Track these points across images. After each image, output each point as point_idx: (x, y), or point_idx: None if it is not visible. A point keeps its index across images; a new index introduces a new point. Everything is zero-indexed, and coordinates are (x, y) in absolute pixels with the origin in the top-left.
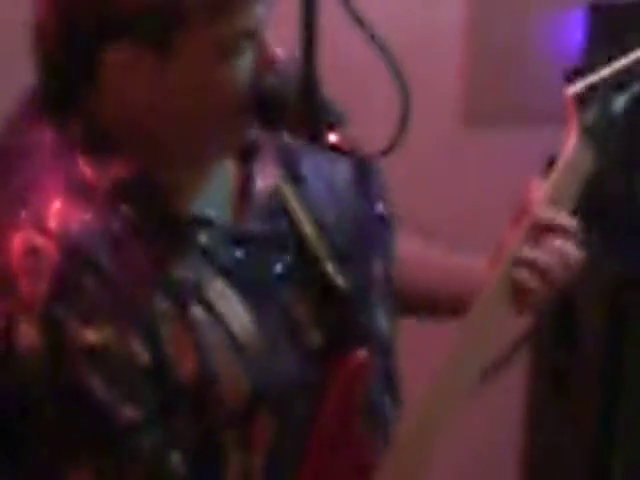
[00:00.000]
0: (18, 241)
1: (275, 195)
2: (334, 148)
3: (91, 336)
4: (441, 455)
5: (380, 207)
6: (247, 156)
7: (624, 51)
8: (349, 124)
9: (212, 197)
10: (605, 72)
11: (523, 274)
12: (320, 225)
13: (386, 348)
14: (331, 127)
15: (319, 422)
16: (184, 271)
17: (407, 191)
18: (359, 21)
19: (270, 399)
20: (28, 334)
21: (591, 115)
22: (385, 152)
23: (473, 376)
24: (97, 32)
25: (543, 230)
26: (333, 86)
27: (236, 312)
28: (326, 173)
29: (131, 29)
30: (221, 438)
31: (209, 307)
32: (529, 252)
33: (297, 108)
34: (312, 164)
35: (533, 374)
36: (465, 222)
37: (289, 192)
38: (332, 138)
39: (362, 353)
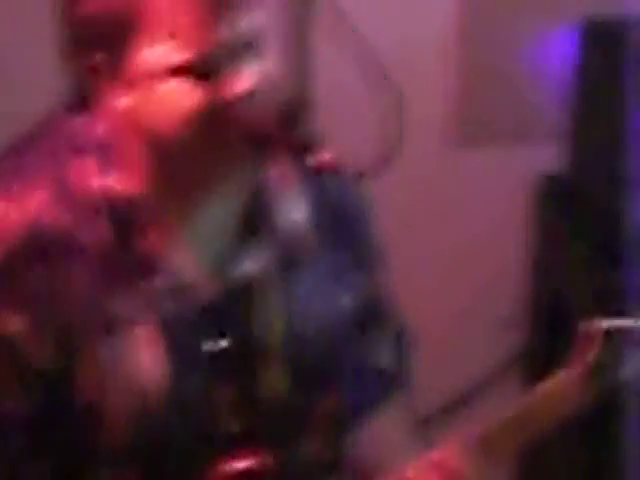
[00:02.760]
0: None
1: (256, 282)
2: (320, 167)
3: (12, 323)
4: None
5: (385, 361)
6: (247, 227)
7: None
8: (339, 143)
9: (196, 255)
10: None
11: None
12: (292, 332)
13: (318, 473)
14: (319, 145)
15: None
16: (123, 303)
17: (398, 210)
18: (354, 40)
19: (148, 456)
20: None
21: (613, 357)
22: (375, 171)
23: None
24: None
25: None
26: (324, 104)
27: (155, 366)
28: (328, 294)
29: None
30: (93, 473)
31: (130, 349)
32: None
33: (289, 126)
34: (316, 276)
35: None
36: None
37: (274, 281)
38: (322, 156)
39: (264, 460)
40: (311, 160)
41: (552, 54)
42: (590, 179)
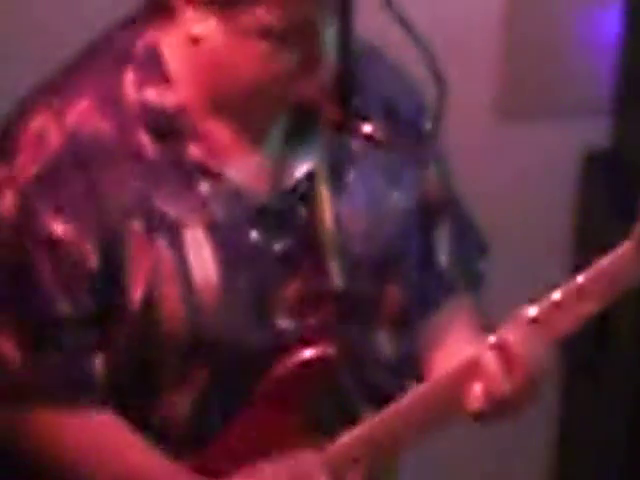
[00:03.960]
0: (36, 123)
1: (309, 179)
2: (368, 137)
3: (55, 227)
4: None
5: (443, 260)
6: (296, 133)
7: None
8: None
9: (247, 162)
10: None
11: (468, 390)
12: (343, 228)
13: (385, 371)
14: (366, 117)
15: (257, 396)
16: (170, 207)
17: None
18: (399, 18)
19: (209, 353)
20: (8, 203)
21: None
22: (421, 143)
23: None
24: None
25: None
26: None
27: (204, 264)
28: (376, 191)
29: None
30: (155, 370)
31: (179, 249)
32: (487, 358)
33: (334, 98)
34: (363, 176)
35: (567, 371)
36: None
37: (325, 183)
38: (367, 128)
39: (326, 350)
40: (361, 129)
41: (598, 30)
42: (638, 156)
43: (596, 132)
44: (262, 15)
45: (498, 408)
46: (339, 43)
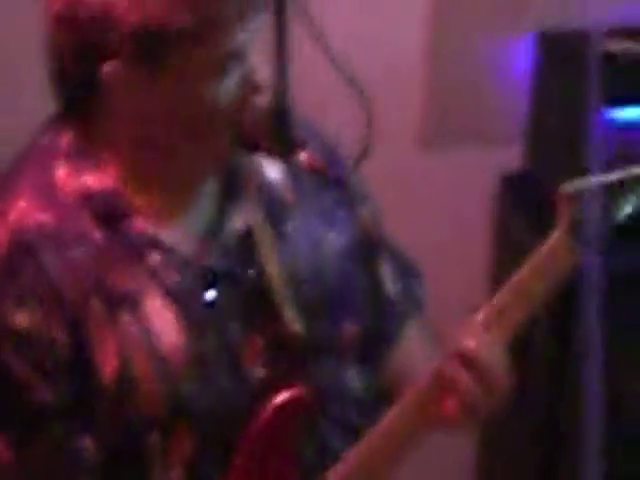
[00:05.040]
0: None
1: (248, 235)
2: (307, 165)
3: (20, 319)
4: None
5: (392, 291)
6: (229, 193)
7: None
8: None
9: (186, 227)
10: (607, 178)
11: (443, 397)
12: (291, 276)
13: (356, 406)
14: (302, 146)
15: (241, 449)
16: (126, 283)
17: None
18: (330, 56)
19: (189, 413)
20: None
21: (581, 215)
22: (343, 177)
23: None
24: (96, 50)
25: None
26: (299, 108)
27: (168, 331)
28: (314, 234)
29: (125, 47)
30: (141, 443)
31: (141, 320)
32: (450, 372)
33: (272, 128)
34: (300, 222)
35: None
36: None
37: (265, 236)
38: (303, 156)
39: (297, 392)
40: (298, 157)
41: (511, 65)
42: (548, 177)
43: (510, 156)
44: (195, 54)
45: (473, 414)
46: (277, 78)
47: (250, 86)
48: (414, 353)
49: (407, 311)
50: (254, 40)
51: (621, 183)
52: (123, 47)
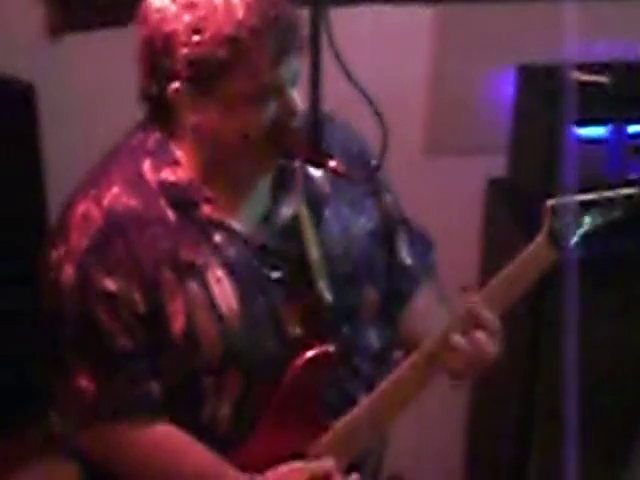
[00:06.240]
0: (81, 207)
1: (294, 220)
2: (333, 171)
3: (109, 284)
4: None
5: (407, 258)
6: (280, 186)
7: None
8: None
9: (245, 213)
10: (585, 197)
11: (446, 356)
12: (326, 253)
13: (372, 358)
14: (331, 156)
15: (279, 391)
16: (194, 256)
17: None
18: (353, 81)
19: (240, 362)
20: (68, 272)
21: (561, 225)
22: (371, 175)
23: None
24: (163, 71)
25: (475, 323)
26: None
27: (226, 295)
28: (345, 220)
29: (183, 71)
30: (200, 383)
31: (205, 287)
32: (457, 339)
33: (307, 144)
34: (334, 210)
35: None
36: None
37: (307, 220)
38: (332, 164)
39: (326, 348)
40: (328, 164)
41: (498, 89)
42: (527, 182)
43: (496, 164)
44: (243, 85)
45: (473, 370)
46: (311, 100)
47: (287, 112)
48: (425, 311)
49: (419, 276)
50: (294, 74)
51: (594, 203)
52: (182, 71)
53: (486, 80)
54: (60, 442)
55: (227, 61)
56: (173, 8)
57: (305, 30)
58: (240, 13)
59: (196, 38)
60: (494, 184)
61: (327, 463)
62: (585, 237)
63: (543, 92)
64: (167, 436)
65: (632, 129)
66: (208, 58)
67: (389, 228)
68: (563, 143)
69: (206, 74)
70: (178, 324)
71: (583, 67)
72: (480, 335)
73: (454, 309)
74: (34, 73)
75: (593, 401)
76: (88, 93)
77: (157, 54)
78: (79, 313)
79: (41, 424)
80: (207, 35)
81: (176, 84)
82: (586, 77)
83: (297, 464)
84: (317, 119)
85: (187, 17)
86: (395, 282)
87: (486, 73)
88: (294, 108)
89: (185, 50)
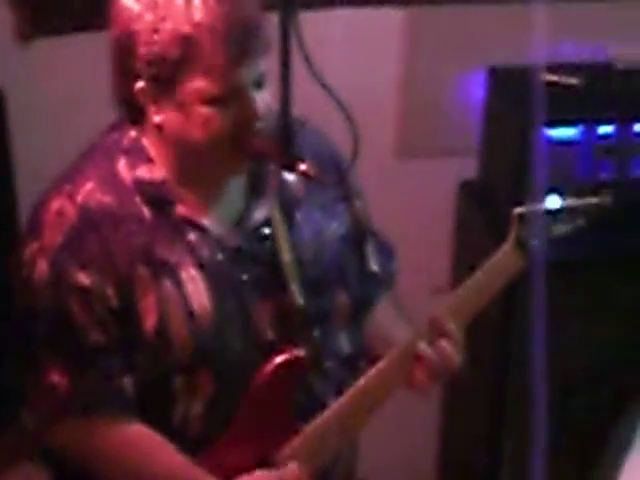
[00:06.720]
0: (55, 204)
1: (267, 223)
2: (304, 174)
3: (82, 278)
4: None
5: (373, 265)
6: (254, 189)
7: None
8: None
9: (217, 214)
10: (549, 205)
11: (412, 364)
12: (297, 257)
13: (342, 362)
14: (302, 159)
15: (250, 394)
16: (168, 254)
17: None
18: (323, 85)
19: (210, 362)
20: (42, 268)
21: (528, 232)
22: (342, 179)
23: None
24: (130, 74)
25: (440, 333)
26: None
27: (198, 294)
28: (317, 224)
29: (144, 71)
30: (171, 382)
31: (178, 284)
32: (423, 347)
33: (277, 146)
34: (306, 214)
35: None
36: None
37: (279, 223)
38: (303, 167)
39: (297, 353)
40: (299, 167)
41: (469, 91)
42: (498, 183)
43: (467, 166)
44: (200, 86)
45: (437, 380)
46: (281, 103)
47: (249, 115)
48: (384, 319)
49: (384, 283)
50: (257, 77)
51: (559, 211)
52: (143, 70)
53: (457, 82)
54: (32, 441)
55: (183, 60)
56: (137, 8)
57: (271, 32)
58: (199, 14)
59: (155, 37)
60: (465, 186)
61: (295, 469)
62: (552, 242)
63: (513, 94)
64: (139, 435)
65: (602, 130)
66: (164, 57)
67: (359, 234)
68: (534, 144)
69: (164, 73)
70: (150, 321)
71: (553, 68)
72: (445, 344)
73: (412, 317)
74: (4, 77)
75: (564, 403)
76: (59, 97)
77: (123, 54)
78: (53, 308)
79: (14, 425)
80: (164, 34)
81: (141, 83)
82: (556, 78)
83: (266, 472)
84: (287, 122)
85: (148, 16)
86: (363, 288)
87: (456, 75)
88: (255, 110)
89: (145, 49)
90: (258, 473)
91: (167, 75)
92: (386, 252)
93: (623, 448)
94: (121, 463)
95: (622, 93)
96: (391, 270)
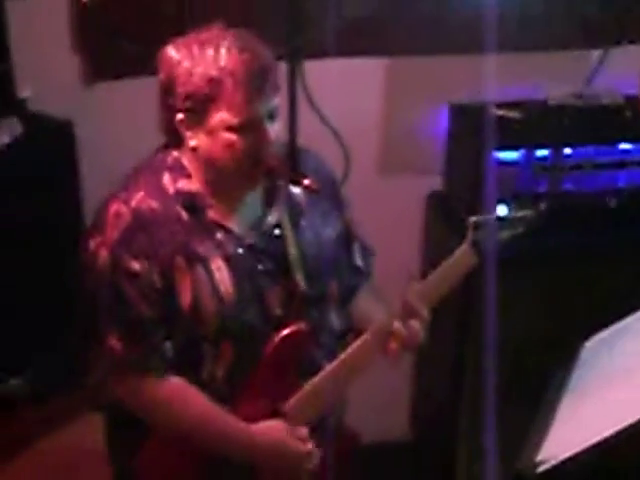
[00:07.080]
0: (113, 207)
1: (277, 225)
2: (307, 187)
3: (134, 265)
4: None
5: (358, 261)
6: (268, 200)
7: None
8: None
9: (241, 218)
10: (498, 213)
11: (388, 338)
12: (301, 253)
13: (334, 335)
14: (305, 176)
15: (263, 360)
16: (201, 249)
17: None
18: (320, 115)
19: (232, 334)
20: (103, 256)
21: (481, 236)
22: (336, 193)
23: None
24: (172, 109)
25: (410, 314)
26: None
27: (224, 280)
28: (317, 228)
29: (182, 104)
30: (200, 348)
31: (208, 272)
32: (396, 325)
33: (285, 166)
34: (309, 220)
35: None
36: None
37: (288, 226)
38: (306, 182)
39: (300, 326)
40: (303, 182)
41: (436, 122)
42: (458, 196)
43: (435, 182)
44: (225, 117)
45: (410, 349)
46: (289, 133)
47: (263, 141)
48: (365, 303)
49: (365, 275)
50: (270, 110)
51: (506, 219)
52: (181, 105)
53: (426, 115)
54: (95, 396)
55: (211, 97)
56: (178, 57)
57: (280, 76)
58: (224, 61)
59: (190, 79)
60: (432, 197)
61: (302, 430)
62: (500, 243)
63: (470, 125)
64: (179, 387)
65: (539, 153)
66: (197, 93)
67: (347, 237)
68: (486, 165)
69: (197, 107)
70: (186, 299)
71: (501, 105)
72: (414, 323)
73: (388, 300)
74: (73, 113)
75: (516, 363)
76: (118, 130)
77: (167, 93)
78: (111, 288)
79: (80, 388)
80: (196, 77)
81: (180, 115)
82: (503, 112)
83: (279, 421)
84: (294, 147)
85: (186, 63)
86: (350, 278)
87: (426, 110)
88: (269, 138)
89: (182, 89)
90: (272, 421)
91: (199, 108)
92: (367, 250)
93: (559, 389)
94: (166, 409)
95: (555, 124)
96: (370, 265)
